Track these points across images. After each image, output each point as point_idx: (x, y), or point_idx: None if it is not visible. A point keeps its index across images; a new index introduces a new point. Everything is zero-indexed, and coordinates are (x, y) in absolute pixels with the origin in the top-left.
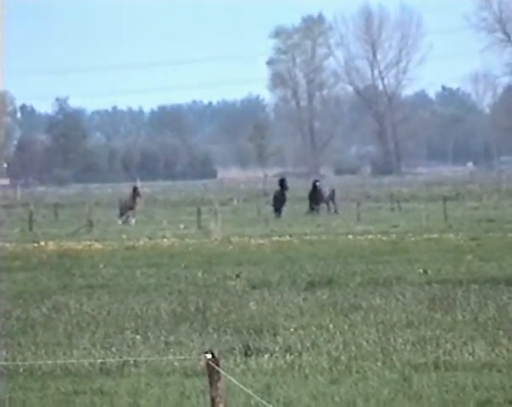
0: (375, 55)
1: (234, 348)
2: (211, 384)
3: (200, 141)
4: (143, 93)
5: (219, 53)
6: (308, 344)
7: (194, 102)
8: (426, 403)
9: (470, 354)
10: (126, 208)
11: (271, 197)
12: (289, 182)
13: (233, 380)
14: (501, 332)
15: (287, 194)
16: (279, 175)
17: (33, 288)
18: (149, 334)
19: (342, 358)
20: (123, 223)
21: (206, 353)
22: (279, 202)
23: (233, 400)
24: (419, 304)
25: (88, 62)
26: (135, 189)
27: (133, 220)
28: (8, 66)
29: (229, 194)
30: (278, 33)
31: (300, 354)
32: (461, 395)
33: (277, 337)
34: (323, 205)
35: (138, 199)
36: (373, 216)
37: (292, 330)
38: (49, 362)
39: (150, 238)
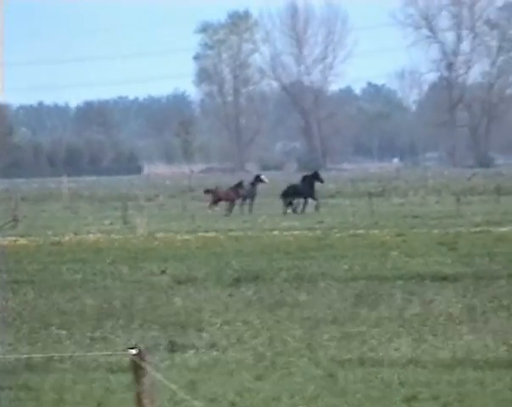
0: (300, 51)
1: (159, 344)
2: (136, 380)
3: (126, 136)
4: (69, 89)
5: (146, 49)
6: (234, 340)
7: (120, 97)
8: (352, 399)
9: (395, 350)
10: None
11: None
12: (215, 178)
13: (158, 376)
14: (426, 328)
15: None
16: (205, 170)
17: None
18: (75, 330)
19: (268, 354)
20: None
21: (131, 348)
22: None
23: (158, 396)
24: (344, 300)
25: (13, 57)
26: None
27: None
28: None
29: (155, 190)
30: (204, 28)
31: (225, 349)
32: (387, 391)
33: (203, 332)
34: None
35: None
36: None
37: (217, 326)
38: None
39: (76, 234)
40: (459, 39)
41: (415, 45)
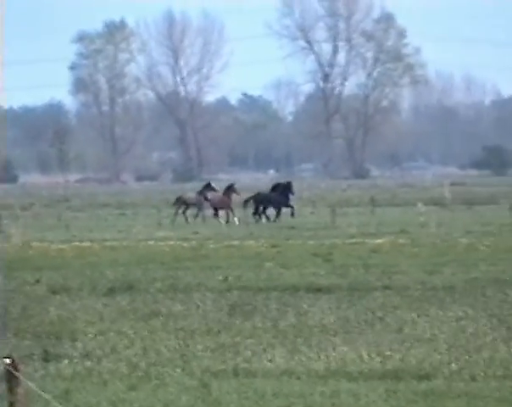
0: (177, 61)
1: (33, 354)
2: (10, 389)
3: (1, 145)
4: None
5: (20, 58)
6: (108, 350)
7: None
8: None
9: (269, 361)
10: None
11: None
12: (91, 188)
13: (32, 385)
14: (300, 340)
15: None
16: (81, 180)
17: None
18: None
19: (142, 364)
20: None
21: (5, 358)
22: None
23: (32, 405)
24: (219, 311)
25: None
26: None
27: None
28: None
29: (30, 199)
30: (80, 38)
31: (99, 359)
32: (260, 402)
33: (77, 342)
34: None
35: None
36: (174, 222)
37: (91, 335)
38: None
39: None
40: (336, 50)
41: (292, 56)
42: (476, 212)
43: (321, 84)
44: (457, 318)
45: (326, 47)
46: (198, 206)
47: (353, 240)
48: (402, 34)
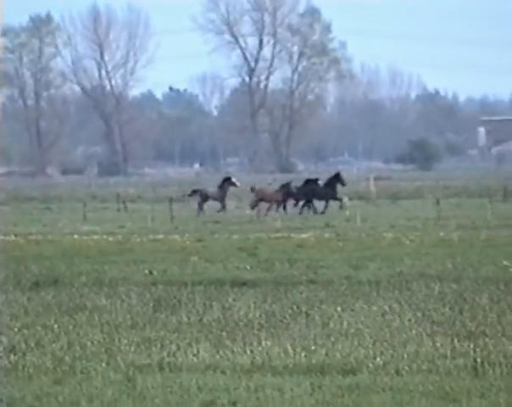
0: (102, 56)
1: None
2: None
3: None
4: None
5: None
6: (33, 344)
7: None
8: (150, 403)
9: (194, 356)
10: None
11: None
12: (15, 182)
13: None
14: (225, 334)
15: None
16: (5, 174)
17: None
18: None
19: (67, 358)
20: None
21: None
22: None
23: None
24: (144, 305)
25: None
26: None
27: None
28: None
29: None
30: (5, 32)
31: (24, 353)
32: (185, 396)
33: (1, 336)
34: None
35: None
36: (99, 216)
37: (16, 330)
38: None
39: None
40: (261, 45)
41: (217, 50)
42: (401, 206)
43: (247, 78)
44: (382, 312)
45: (252, 42)
46: (220, 199)
47: (279, 234)
48: (327, 28)
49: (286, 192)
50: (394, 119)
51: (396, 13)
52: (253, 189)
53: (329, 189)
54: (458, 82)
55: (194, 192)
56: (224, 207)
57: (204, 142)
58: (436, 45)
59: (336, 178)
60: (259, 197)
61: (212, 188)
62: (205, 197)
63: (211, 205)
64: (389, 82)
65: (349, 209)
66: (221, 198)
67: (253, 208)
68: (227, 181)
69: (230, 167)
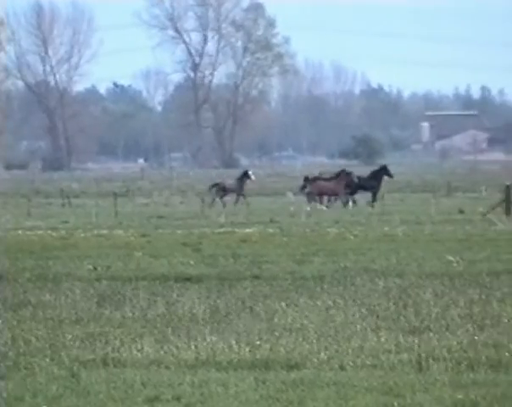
0: (46, 51)
1: None
2: None
3: None
4: None
5: None
6: None
7: None
8: (94, 399)
9: (138, 351)
10: None
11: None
12: None
13: None
14: (169, 329)
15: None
16: None
17: None
18: None
19: (10, 353)
20: None
21: None
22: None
23: None
24: (88, 301)
25: None
26: None
27: None
28: None
29: None
30: None
31: None
32: (129, 392)
33: None
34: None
35: None
36: (43, 212)
37: None
38: None
39: None
40: (205, 40)
41: (161, 46)
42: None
43: (191, 73)
44: (326, 307)
45: (196, 37)
46: (238, 192)
47: (223, 229)
48: (271, 23)
49: (347, 184)
50: (338, 114)
51: (340, 9)
52: (307, 179)
53: (374, 181)
54: (402, 78)
55: (214, 185)
56: (240, 199)
57: (148, 137)
58: (380, 41)
59: (383, 170)
60: (318, 190)
61: (230, 181)
62: (224, 189)
63: (156, 201)
64: (333, 78)
65: (293, 204)
66: (239, 191)
67: (310, 201)
68: (245, 174)
69: (174, 162)
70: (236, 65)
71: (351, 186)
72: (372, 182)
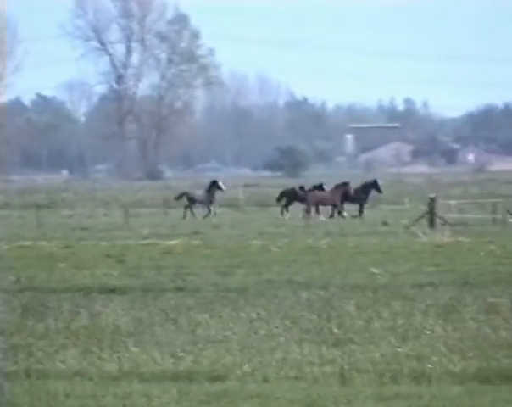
0: None
1: None
2: None
3: None
4: None
5: None
6: None
7: None
8: None
9: (61, 363)
10: None
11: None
12: None
13: None
14: (93, 341)
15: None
16: None
17: None
18: None
19: None
20: None
21: None
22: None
23: None
24: (11, 312)
25: None
26: None
27: None
28: None
29: None
30: None
31: None
32: (52, 403)
33: None
34: None
35: None
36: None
37: None
38: None
39: None
40: (129, 51)
41: (85, 57)
42: (269, 213)
43: (115, 85)
44: (250, 319)
45: (120, 48)
46: (207, 203)
47: (146, 241)
48: (196, 35)
49: (344, 194)
50: (263, 126)
51: (264, 21)
52: (302, 189)
53: (363, 194)
54: (326, 90)
55: (181, 195)
56: (210, 211)
57: (72, 148)
58: (304, 52)
59: (373, 184)
60: (316, 201)
61: (199, 191)
62: (192, 201)
63: (80, 212)
64: (258, 89)
65: (218, 216)
66: (208, 202)
67: (307, 212)
68: (215, 184)
69: (98, 174)
70: (160, 77)
71: (348, 196)
72: (361, 195)
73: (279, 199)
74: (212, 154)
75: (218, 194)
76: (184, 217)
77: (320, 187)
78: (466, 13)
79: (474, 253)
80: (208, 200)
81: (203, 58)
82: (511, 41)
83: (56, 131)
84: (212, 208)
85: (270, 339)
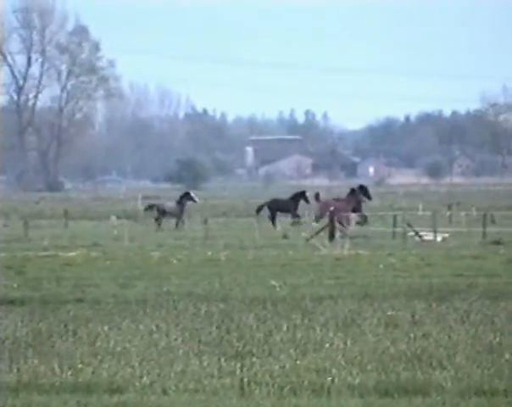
0: None
1: None
2: None
3: None
4: None
5: None
6: None
7: None
8: None
9: None
10: None
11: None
12: None
13: None
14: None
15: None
16: None
17: None
18: None
19: None
20: None
21: None
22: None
23: None
24: None
25: None
26: None
27: None
28: None
29: None
30: None
31: None
32: None
33: None
34: None
35: None
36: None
37: None
38: None
39: None
40: (29, 62)
41: None
42: (170, 225)
43: (15, 96)
44: (149, 331)
45: (20, 59)
46: (178, 216)
47: (46, 253)
48: (96, 47)
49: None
50: (163, 138)
51: (165, 33)
52: (317, 197)
53: (292, 203)
54: (226, 102)
55: (151, 206)
56: (182, 222)
57: None
58: (204, 65)
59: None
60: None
61: (170, 203)
62: (163, 213)
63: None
64: (158, 101)
65: (117, 228)
66: (179, 214)
67: (317, 221)
68: (187, 196)
69: None
70: (60, 88)
71: (360, 204)
72: (290, 204)
73: (258, 211)
74: (112, 166)
75: (188, 206)
76: (156, 231)
77: None
78: (369, 25)
79: (373, 265)
80: (180, 212)
81: (104, 69)
82: (416, 54)
83: None
84: (184, 219)
85: (170, 351)
